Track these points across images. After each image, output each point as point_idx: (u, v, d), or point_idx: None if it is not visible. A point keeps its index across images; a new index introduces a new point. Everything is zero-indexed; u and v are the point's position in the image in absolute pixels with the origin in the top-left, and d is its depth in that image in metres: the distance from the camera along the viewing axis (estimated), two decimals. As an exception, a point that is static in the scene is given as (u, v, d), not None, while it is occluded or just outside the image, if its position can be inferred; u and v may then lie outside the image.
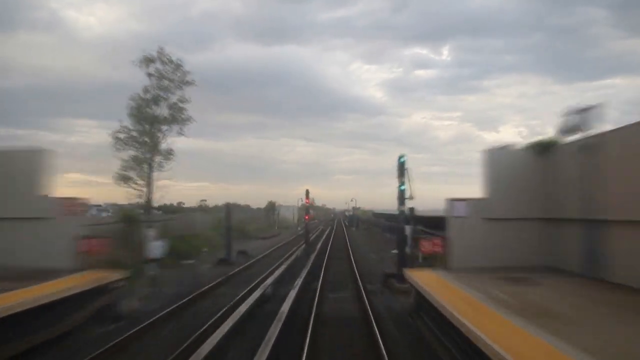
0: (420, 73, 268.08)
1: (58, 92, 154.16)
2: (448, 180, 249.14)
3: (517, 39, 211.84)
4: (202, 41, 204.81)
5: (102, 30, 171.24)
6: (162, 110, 23.73)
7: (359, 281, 16.43)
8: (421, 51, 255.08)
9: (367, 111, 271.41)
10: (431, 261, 13.95)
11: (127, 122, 23.07)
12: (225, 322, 9.70)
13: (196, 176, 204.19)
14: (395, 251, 17.57)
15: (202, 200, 68.02)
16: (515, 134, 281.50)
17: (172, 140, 24.17)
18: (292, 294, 13.05)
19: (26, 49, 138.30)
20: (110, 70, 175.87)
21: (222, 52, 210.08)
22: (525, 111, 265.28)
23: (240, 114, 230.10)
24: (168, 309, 11.44)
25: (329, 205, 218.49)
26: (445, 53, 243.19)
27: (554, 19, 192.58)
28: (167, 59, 23.83)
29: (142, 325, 9.85)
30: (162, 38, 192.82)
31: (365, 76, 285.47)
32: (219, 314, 10.89)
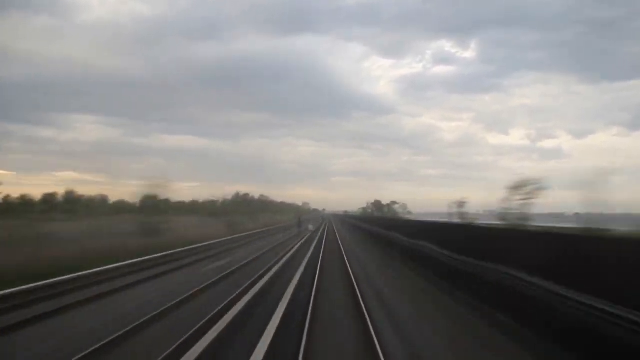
0: (440, 70, 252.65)
1: (52, 83, 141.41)
2: (446, 184, 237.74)
3: (551, 33, 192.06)
4: (212, 28, 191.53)
5: (103, 12, 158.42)
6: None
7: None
8: (447, 44, 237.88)
9: (376, 110, 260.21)
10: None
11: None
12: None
13: (194, 176, 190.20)
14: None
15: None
16: (524, 136, 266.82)
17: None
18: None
19: (18, 33, 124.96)
20: (110, 58, 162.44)
21: (233, 41, 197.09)
22: (540, 112, 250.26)
23: (246, 112, 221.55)
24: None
25: (322, 207, 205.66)
26: (472, 46, 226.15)
27: (595, 11, 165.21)
28: None
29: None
30: (169, 23, 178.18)
31: (377, 73, 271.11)
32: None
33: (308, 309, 11.15)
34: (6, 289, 11.90)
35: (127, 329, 9.23)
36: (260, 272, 17.74)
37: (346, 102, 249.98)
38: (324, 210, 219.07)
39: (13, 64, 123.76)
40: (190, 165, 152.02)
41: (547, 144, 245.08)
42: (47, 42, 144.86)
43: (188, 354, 7.60)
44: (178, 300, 12.36)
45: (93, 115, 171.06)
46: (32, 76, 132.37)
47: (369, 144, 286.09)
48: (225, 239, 34.67)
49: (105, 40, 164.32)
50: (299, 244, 34.05)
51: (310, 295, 12.95)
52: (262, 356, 7.54)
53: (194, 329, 9.11)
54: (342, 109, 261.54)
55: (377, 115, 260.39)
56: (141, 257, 20.38)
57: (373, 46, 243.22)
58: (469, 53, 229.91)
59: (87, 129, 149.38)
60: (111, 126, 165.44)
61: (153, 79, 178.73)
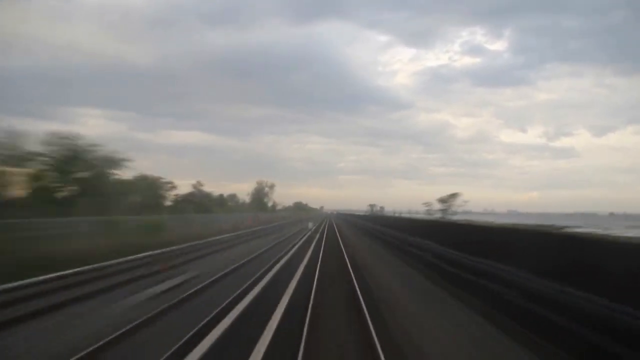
0: (467, 61, 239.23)
1: (54, 72, 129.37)
2: (454, 182, 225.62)
3: (594, 18, 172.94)
4: (229, 11, 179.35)
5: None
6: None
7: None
8: (479, 31, 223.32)
9: (392, 104, 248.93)
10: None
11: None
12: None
13: (197, 174, 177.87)
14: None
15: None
16: (541, 133, 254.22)
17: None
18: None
19: (17, 15, 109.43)
20: (117, 45, 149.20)
21: (250, 26, 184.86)
22: (564, 108, 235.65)
23: (257, 106, 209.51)
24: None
25: (327, 206, 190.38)
26: (506, 34, 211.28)
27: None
28: None
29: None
30: (183, 4, 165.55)
31: (399, 64, 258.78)
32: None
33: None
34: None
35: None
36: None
37: (363, 95, 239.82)
38: (321, 208, 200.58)
39: (12, 51, 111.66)
40: (194, 162, 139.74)
41: (564, 142, 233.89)
42: (49, 25, 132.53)
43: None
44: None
45: (98, 109, 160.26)
46: (32, 64, 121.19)
47: (379, 141, 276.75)
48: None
49: (112, 25, 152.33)
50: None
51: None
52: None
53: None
54: (358, 103, 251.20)
55: (392, 110, 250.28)
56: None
57: (399, 34, 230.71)
58: (501, 43, 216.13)
59: (90, 123, 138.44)
60: (116, 120, 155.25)
61: (162, 69, 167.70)
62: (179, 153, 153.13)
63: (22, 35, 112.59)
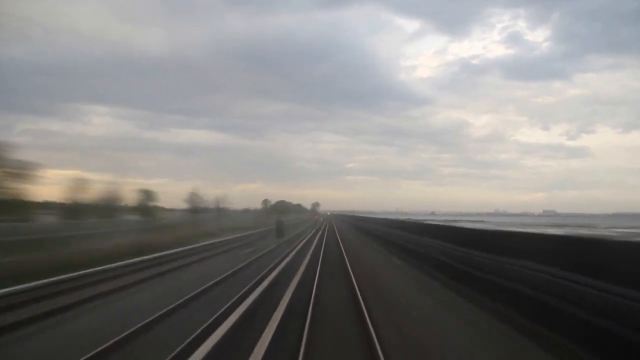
0: (502, 51, 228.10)
1: (56, 64, 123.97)
2: (466, 183, 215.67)
3: None
4: None
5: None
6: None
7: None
8: (524, 14, 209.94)
9: (414, 100, 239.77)
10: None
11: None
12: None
13: (201, 174, 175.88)
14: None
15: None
16: (563, 132, 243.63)
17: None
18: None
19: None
20: (123, 28, 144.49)
21: (273, 7, 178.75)
22: (594, 103, 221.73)
23: (272, 101, 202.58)
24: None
25: (327, 207, 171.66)
26: (553, 18, 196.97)
27: None
28: None
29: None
30: None
31: (424, 57, 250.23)
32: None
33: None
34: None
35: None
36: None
37: (384, 90, 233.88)
38: (315, 205, 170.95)
39: (11, 39, 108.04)
40: (202, 162, 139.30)
41: (583, 140, 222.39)
42: (51, 9, 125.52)
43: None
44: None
45: (104, 106, 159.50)
46: (32, 54, 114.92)
47: (394, 140, 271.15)
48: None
49: (121, 4, 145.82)
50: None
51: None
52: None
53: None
54: (379, 99, 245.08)
55: (413, 106, 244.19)
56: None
57: (433, 18, 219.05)
58: (542, 30, 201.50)
59: (96, 120, 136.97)
60: (124, 118, 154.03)
61: (174, 59, 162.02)
62: (185, 152, 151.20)
63: (20, 18, 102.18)
